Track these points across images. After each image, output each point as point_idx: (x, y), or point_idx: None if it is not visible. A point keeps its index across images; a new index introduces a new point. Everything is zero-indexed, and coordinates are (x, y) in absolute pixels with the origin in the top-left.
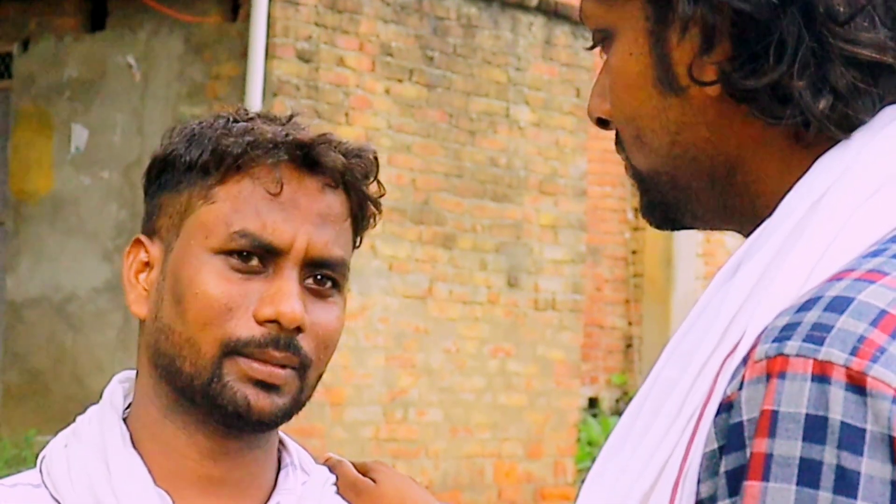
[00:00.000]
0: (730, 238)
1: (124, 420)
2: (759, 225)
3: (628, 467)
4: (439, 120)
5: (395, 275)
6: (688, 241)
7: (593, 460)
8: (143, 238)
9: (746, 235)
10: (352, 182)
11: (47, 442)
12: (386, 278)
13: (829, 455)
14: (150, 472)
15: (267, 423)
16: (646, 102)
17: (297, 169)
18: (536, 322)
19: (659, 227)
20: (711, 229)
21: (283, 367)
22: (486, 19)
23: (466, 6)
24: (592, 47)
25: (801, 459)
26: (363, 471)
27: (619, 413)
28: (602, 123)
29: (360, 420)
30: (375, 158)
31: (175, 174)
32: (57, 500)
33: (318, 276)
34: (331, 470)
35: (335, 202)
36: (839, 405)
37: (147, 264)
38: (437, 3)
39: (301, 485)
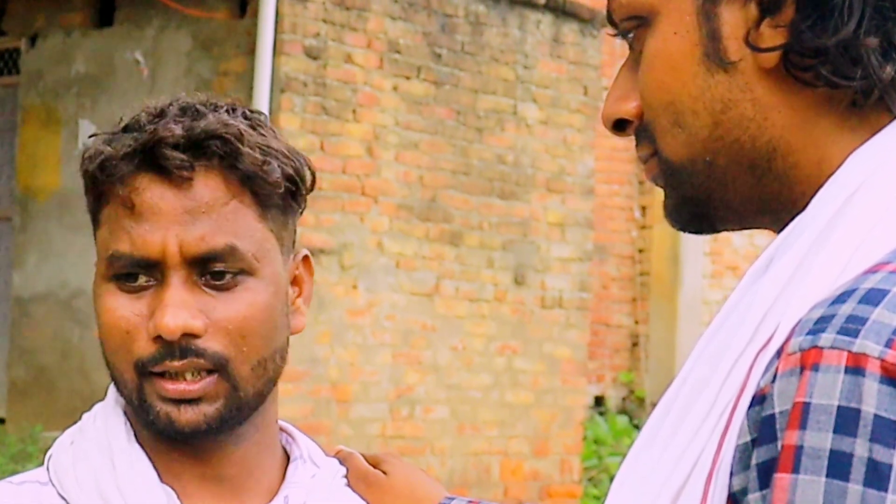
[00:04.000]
0: (737, 237)
1: (129, 416)
2: (793, 216)
3: (660, 463)
4: (447, 117)
5: (401, 272)
6: (695, 240)
7: (601, 459)
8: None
9: (778, 229)
10: (217, 167)
11: (53, 437)
12: (393, 275)
13: (860, 447)
14: (155, 468)
15: (205, 433)
16: (689, 82)
17: (148, 174)
18: (543, 320)
19: (684, 228)
20: (740, 227)
21: (199, 374)
22: (494, 17)
23: (474, 4)
24: (624, 37)
25: (832, 452)
26: (374, 463)
27: (625, 411)
28: (619, 127)
29: (366, 417)
30: (240, 133)
31: (86, 195)
32: (64, 498)
33: (214, 271)
34: (341, 462)
35: (203, 190)
36: (873, 397)
37: None
38: (445, 1)
39: (310, 478)
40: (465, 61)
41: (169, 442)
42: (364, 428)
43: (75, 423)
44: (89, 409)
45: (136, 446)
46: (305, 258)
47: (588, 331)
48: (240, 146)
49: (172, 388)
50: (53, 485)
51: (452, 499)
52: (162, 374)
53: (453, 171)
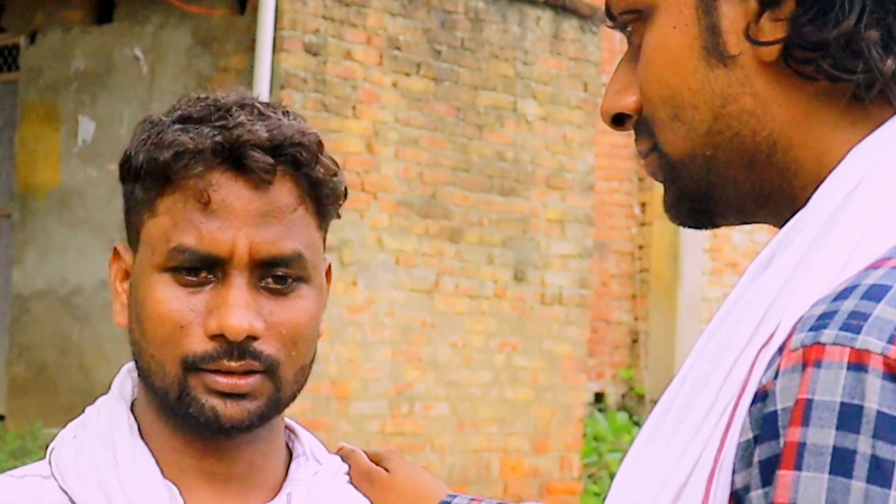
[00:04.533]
0: (737, 233)
1: (133, 411)
2: (793, 210)
3: (661, 461)
4: (446, 114)
5: (401, 269)
6: (695, 237)
7: (600, 456)
8: (120, 247)
9: (779, 224)
10: (291, 172)
11: (52, 434)
12: (392, 272)
13: (863, 444)
14: (157, 463)
15: (243, 429)
16: (688, 77)
17: (227, 172)
18: (543, 316)
19: (683, 222)
20: (740, 222)
21: (249, 373)
22: (494, 13)
23: (474, 0)
24: (616, 28)
25: (835, 448)
26: (376, 460)
27: (625, 408)
28: (618, 122)
29: (366, 414)
30: (315, 139)
31: (131, 182)
32: (65, 492)
33: (276, 275)
34: (343, 459)
35: (278, 195)
36: (875, 394)
37: (127, 273)
38: None
39: (313, 474)
40: (465, 58)
41: (185, 437)
42: (364, 425)
43: (75, 419)
44: (90, 404)
45: (140, 441)
46: (329, 266)
47: (588, 327)
48: (319, 156)
49: (224, 381)
50: (55, 478)
51: (454, 496)
52: (209, 370)
53: (453, 168)
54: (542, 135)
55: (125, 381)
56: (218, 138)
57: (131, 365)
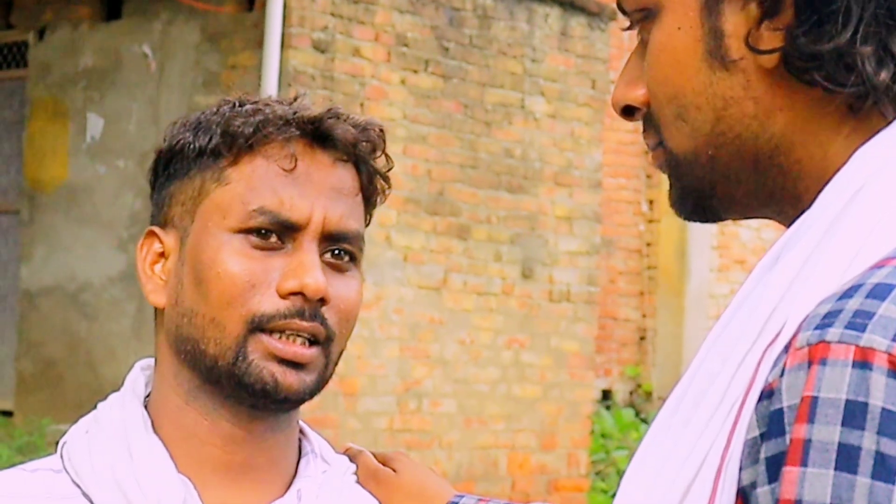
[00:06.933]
0: (744, 230)
1: (145, 407)
2: (797, 209)
3: (670, 459)
4: (455, 111)
5: (409, 265)
6: (702, 234)
7: (608, 453)
8: (156, 229)
9: (784, 221)
10: (361, 156)
11: (60, 430)
12: (401, 269)
13: (868, 441)
14: (172, 458)
15: (294, 400)
16: (692, 78)
17: (308, 144)
18: (551, 313)
19: (688, 217)
20: (744, 217)
21: (310, 343)
22: (502, 10)
23: None
24: (629, 27)
25: (840, 445)
26: (383, 461)
27: (632, 405)
28: (627, 113)
29: (373, 411)
30: (382, 132)
31: (184, 163)
32: (78, 486)
33: (336, 251)
34: (351, 459)
35: (346, 176)
36: (880, 391)
37: (162, 255)
38: None
39: (321, 473)
40: (473, 55)
41: (213, 423)
42: (371, 421)
43: (82, 415)
44: (97, 401)
45: (154, 436)
46: None
47: (595, 324)
48: (384, 146)
49: (286, 348)
50: (67, 472)
51: (462, 496)
52: (275, 334)
53: (461, 165)
54: (549, 132)
55: (138, 377)
56: (308, 112)
57: (144, 362)
